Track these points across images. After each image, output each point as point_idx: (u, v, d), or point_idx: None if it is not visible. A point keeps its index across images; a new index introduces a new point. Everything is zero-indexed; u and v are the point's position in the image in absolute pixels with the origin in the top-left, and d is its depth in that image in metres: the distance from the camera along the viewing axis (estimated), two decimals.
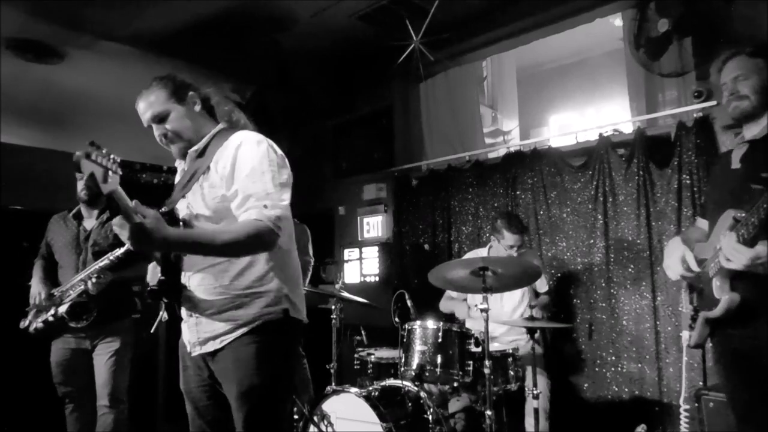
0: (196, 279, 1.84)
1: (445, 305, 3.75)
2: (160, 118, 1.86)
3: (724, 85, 1.98)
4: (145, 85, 1.91)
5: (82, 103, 5.08)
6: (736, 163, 1.96)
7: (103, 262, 2.98)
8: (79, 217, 3.30)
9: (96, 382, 3.15)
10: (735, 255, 1.70)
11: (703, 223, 2.13)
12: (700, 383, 3.06)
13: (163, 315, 1.82)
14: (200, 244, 1.71)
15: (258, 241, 1.70)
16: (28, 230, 3.37)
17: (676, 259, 2.03)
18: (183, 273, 1.85)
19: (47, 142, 5.12)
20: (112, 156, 1.58)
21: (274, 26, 4.35)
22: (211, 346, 1.82)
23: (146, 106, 1.87)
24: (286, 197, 1.78)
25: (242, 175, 1.75)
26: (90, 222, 3.28)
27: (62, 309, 3.00)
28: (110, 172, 1.57)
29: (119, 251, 2.95)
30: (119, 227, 1.63)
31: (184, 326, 1.93)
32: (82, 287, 3.00)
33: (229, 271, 1.81)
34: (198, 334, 1.85)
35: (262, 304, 1.80)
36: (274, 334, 1.81)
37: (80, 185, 3.26)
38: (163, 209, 1.80)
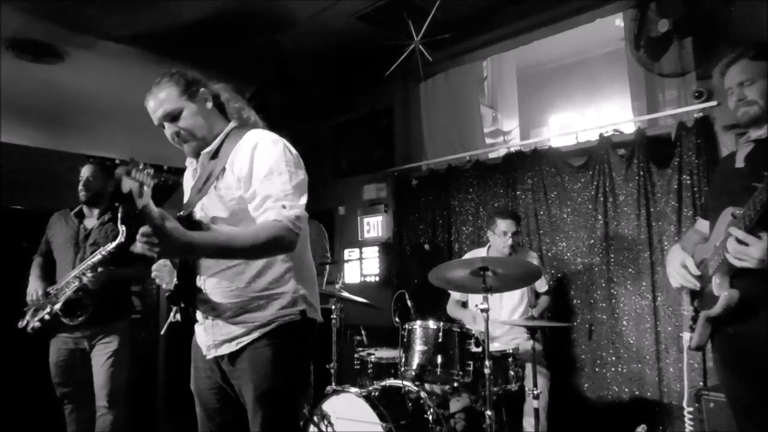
0: (212, 282, 1.83)
1: (453, 312, 3.75)
2: (173, 117, 1.82)
3: (729, 90, 1.97)
4: (152, 83, 1.86)
5: (82, 103, 5.07)
6: (740, 162, 1.95)
7: (96, 257, 2.98)
8: (80, 216, 3.31)
9: (94, 382, 3.15)
10: (745, 250, 1.67)
11: (703, 224, 2.12)
12: (700, 383, 3.07)
13: (175, 317, 1.81)
14: (222, 248, 1.70)
15: (278, 242, 1.68)
16: (28, 230, 3.37)
17: (677, 265, 2.03)
18: (198, 276, 1.84)
19: (47, 142, 5.12)
20: (146, 170, 1.58)
21: (274, 26, 4.35)
22: (227, 349, 1.81)
23: (157, 104, 1.82)
24: (304, 197, 1.76)
25: (260, 176, 1.73)
26: (91, 221, 3.29)
27: (57, 306, 3.00)
28: (144, 186, 1.57)
29: (111, 246, 2.95)
30: (144, 236, 1.58)
31: (198, 328, 1.91)
32: (77, 284, 2.99)
33: (246, 273, 1.79)
34: (214, 336, 1.84)
35: (279, 306, 1.79)
36: (291, 336, 1.80)
37: (80, 185, 3.25)
38: (180, 213, 1.79)
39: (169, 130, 1.85)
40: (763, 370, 1.77)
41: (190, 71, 1.90)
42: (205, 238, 1.72)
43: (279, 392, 1.77)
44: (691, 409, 2.56)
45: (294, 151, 1.84)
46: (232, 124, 1.92)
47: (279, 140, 1.83)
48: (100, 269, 2.98)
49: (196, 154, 1.90)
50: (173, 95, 1.81)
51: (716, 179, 2.20)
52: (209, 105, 1.88)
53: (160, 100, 1.81)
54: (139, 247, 1.59)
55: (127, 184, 1.57)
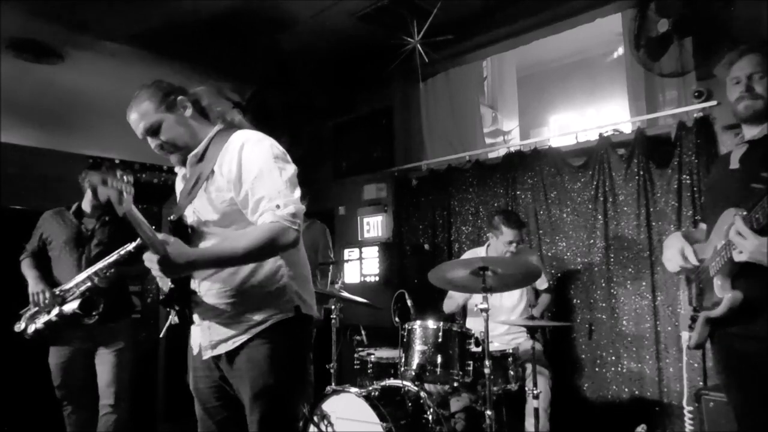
0: (206, 284, 1.83)
1: (447, 304, 3.75)
2: (153, 130, 1.83)
3: (734, 80, 1.93)
4: (136, 93, 1.87)
5: (82, 103, 5.08)
6: (735, 164, 1.95)
7: (113, 257, 2.97)
8: (79, 215, 3.29)
9: (99, 382, 3.14)
10: (741, 242, 1.67)
11: (704, 227, 2.12)
12: (700, 383, 3.07)
13: (173, 319, 1.82)
14: (223, 259, 1.73)
15: (277, 242, 1.70)
16: (28, 230, 3.36)
17: (675, 251, 2.02)
18: (192, 279, 1.85)
19: (47, 142, 5.12)
20: (125, 177, 1.61)
21: (274, 26, 4.35)
22: (223, 349, 1.82)
23: (137, 119, 1.84)
24: (297, 192, 1.77)
25: (250, 177, 1.74)
26: (91, 221, 3.27)
27: (70, 307, 2.98)
28: (124, 194, 1.60)
29: (130, 246, 2.94)
30: (149, 260, 1.67)
31: (194, 329, 1.91)
32: (89, 284, 2.99)
33: (238, 273, 1.80)
34: (210, 337, 1.84)
35: (274, 304, 1.80)
36: (287, 333, 1.81)
37: (101, 190, 3.24)
38: (171, 218, 1.81)
39: (152, 143, 1.87)
40: (764, 370, 1.77)
41: (166, 81, 1.90)
42: (205, 253, 1.76)
43: (275, 390, 1.77)
44: (691, 408, 2.56)
45: (280, 147, 1.84)
46: (217, 128, 1.92)
47: (264, 138, 1.84)
48: (112, 270, 2.98)
49: (183, 162, 1.91)
50: (150, 109, 1.83)
51: (711, 181, 2.19)
52: (188, 112, 1.89)
53: (139, 114, 1.84)
54: (147, 264, 1.67)
55: (104, 193, 1.60)
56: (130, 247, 2.93)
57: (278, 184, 1.73)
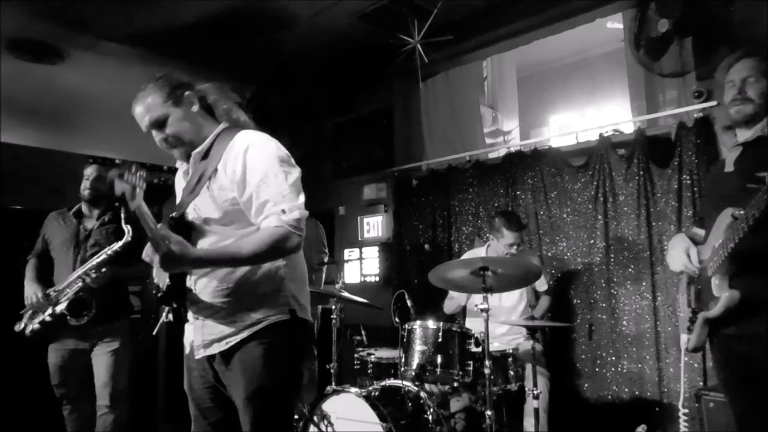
0: (202, 282, 1.83)
1: (448, 305, 3.75)
2: (159, 124, 1.82)
3: (730, 83, 1.95)
4: (143, 86, 1.86)
5: (82, 103, 5.08)
6: (730, 167, 1.96)
7: (101, 257, 2.97)
8: (79, 216, 3.29)
9: (96, 382, 3.14)
10: None
11: (699, 231, 2.13)
12: (700, 383, 3.07)
13: (167, 317, 1.82)
14: (227, 260, 1.76)
15: (281, 247, 1.71)
16: (28, 230, 3.36)
17: (681, 251, 2.03)
18: (188, 276, 1.84)
19: (47, 142, 5.13)
20: (139, 173, 1.62)
21: (275, 26, 4.35)
22: (216, 348, 1.81)
23: (143, 111, 1.83)
24: (302, 197, 1.78)
25: (255, 179, 1.74)
26: (90, 221, 3.27)
27: (60, 307, 2.98)
28: (137, 189, 1.63)
29: (117, 245, 2.94)
30: (148, 255, 1.69)
31: (188, 328, 1.91)
32: (80, 284, 2.98)
33: (236, 273, 1.80)
34: (203, 336, 1.84)
35: (269, 306, 1.80)
36: (281, 336, 1.80)
37: (85, 183, 3.25)
38: (173, 214, 1.81)
39: (157, 136, 1.86)
40: (763, 371, 1.77)
41: (175, 73, 1.89)
42: (209, 253, 1.78)
43: (269, 391, 1.77)
44: (686, 410, 2.56)
45: (284, 149, 1.84)
46: (222, 125, 1.92)
47: (270, 140, 1.84)
48: (103, 269, 2.97)
49: (186, 158, 1.90)
50: (158, 102, 1.82)
51: (708, 185, 2.21)
52: (195, 108, 1.88)
53: (146, 106, 1.82)
54: (145, 258, 1.69)
55: (120, 187, 1.61)
56: (117, 246, 2.93)
57: (283, 188, 1.73)
